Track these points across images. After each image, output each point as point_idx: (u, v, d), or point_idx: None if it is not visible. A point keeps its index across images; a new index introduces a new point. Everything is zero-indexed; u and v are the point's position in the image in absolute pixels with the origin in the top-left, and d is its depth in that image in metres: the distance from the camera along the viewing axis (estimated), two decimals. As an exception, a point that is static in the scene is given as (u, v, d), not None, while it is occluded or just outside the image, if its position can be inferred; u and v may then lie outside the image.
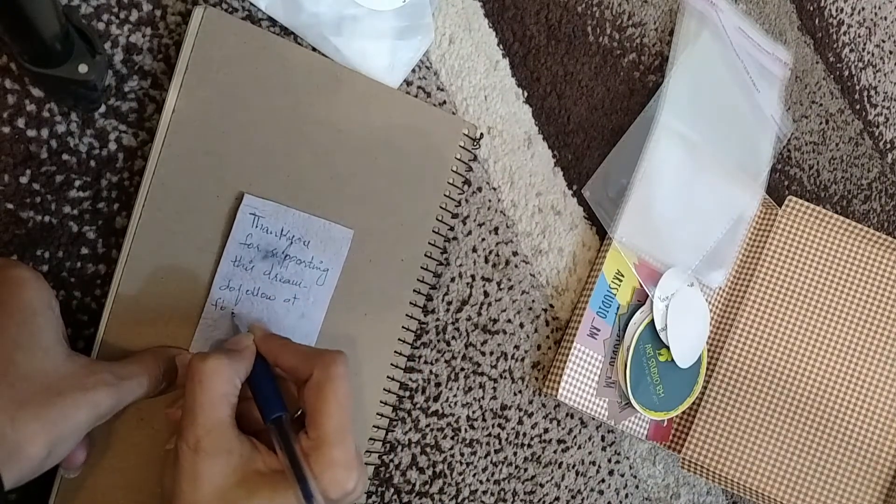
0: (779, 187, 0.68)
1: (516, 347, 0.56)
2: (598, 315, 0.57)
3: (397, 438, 0.52)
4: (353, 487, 0.37)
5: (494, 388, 0.56)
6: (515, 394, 0.57)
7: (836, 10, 0.70)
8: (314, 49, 0.47)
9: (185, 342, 0.43)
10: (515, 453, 0.57)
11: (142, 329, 0.42)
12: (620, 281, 0.58)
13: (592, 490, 0.61)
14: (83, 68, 0.37)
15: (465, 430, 0.55)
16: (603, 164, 0.59)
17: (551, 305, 0.58)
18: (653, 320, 0.59)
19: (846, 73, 0.71)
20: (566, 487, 0.59)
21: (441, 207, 0.50)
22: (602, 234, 0.59)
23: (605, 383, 0.58)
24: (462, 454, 0.55)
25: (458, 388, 0.54)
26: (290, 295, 0.46)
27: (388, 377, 0.50)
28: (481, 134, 0.54)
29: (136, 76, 0.43)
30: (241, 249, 0.44)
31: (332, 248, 0.47)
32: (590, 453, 0.60)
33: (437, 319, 0.53)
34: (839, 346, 0.63)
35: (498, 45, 0.54)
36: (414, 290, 0.50)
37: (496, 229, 0.55)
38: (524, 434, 0.57)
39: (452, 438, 0.54)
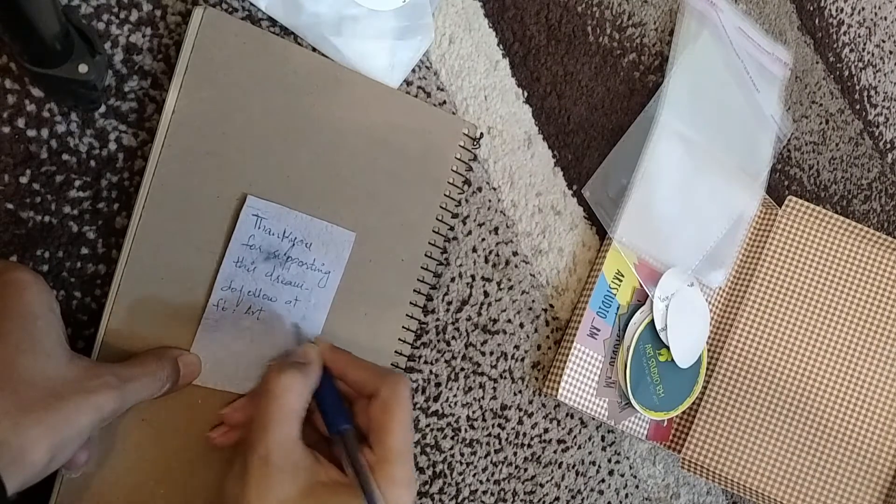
0: (779, 187, 0.68)
1: (516, 347, 0.56)
2: (598, 315, 0.57)
3: (397, 438, 0.52)
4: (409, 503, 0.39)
5: (494, 388, 0.56)
6: (515, 394, 0.57)
7: (836, 10, 0.70)
8: (314, 49, 0.47)
9: (186, 342, 0.43)
10: (515, 453, 0.57)
11: (142, 329, 0.42)
12: (620, 281, 0.58)
13: (592, 490, 0.61)
14: (83, 68, 0.37)
15: (465, 430, 0.55)
16: (603, 164, 0.59)
17: (551, 305, 0.58)
18: (653, 320, 0.59)
19: (846, 73, 0.71)
20: (566, 487, 0.59)
21: (441, 207, 0.50)
22: (602, 234, 0.59)
23: (605, 383, 0.58)
24: (462, 454, 0.55)
25: (458, 388, 0.54)
26: (292, 297, 0.46)
27: (388, 377, 0.50)
28: (481, 134, 0.54)
29: (136, 76, 0.43)
30: (243, 250, 0.44)
31: (333, 250, 0.47)
32: (590, 453, 0.60)
33: (437, 319, 0.53)
34: (839, 346, 0.63)
35: (498, 45, 0.54)
36: (414, 290, 0.50)
37: (496, 229, 0.55)
38: (524, 434, 0.57)
39: (452, 438, 0.54)
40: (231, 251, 0.43)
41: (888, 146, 0.73)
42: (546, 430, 0.58)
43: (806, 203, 0.64)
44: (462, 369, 0.54)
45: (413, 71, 0.50)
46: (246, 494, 0.37)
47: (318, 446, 0.40)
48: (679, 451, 0.62)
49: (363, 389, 0.42)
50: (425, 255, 0.50)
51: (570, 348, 0.56)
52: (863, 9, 0.72)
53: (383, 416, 0.39)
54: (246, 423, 0.43)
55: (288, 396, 0.38)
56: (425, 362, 0.53)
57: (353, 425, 0.41)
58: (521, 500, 0.58)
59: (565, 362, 0.56)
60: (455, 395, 0.54)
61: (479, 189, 0.54)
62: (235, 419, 0.44)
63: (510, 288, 0.56)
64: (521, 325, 0.56)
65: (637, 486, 0.63)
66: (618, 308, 0.58)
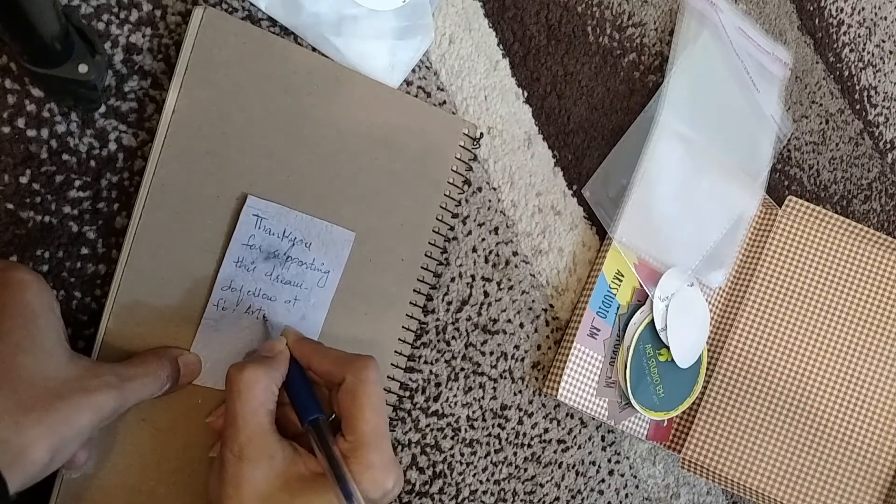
0: (779, 187, 0.68)
1: (516, 347, 0.56)
2: (598, 315, 0.57)
3: (397, 438, 0.52)
4: (392, 487, 0.38)
5: (494, 388, 0.56)
6: (515, 394, 0.57)
7: (836, 10, 0.70)
8: (314, 49, 0.47)
9: (186, 342, 0.43)
10: (515, 453, 0.57)
11: (142, 329, 0.42)
12: (620, 281, 0.58)
13: (592, 490, 0.61)
14: (83, 68, 0.37)
15: (465, 430, 0.55)
16: (603, 164, 0.59)
17: (551, 305, 0.58)
18: (653, 320, 0.59)
19: (846, 73, 0.71)
20: (566, 487, 0.59)
21: (441, 207, 0.50)
22: (602, 234, 0.59)
23: (605, 383, 0.58)
24: (462, 454, 0.55)
25: (458, 388, 0.54)
26: (292, 296, 0.46)
27: (388, 377, 0.50)
28: (481, 134, 0.54)
29: (136, 76, 0.43)
30: (243, 250, 0.44)
31: (333, 250, 0.47)
32: (590, 453, 0.60)
33: (437, 319, 0.53)
34: (839, 346, 0.63)
35: (498, 45, 0.54)
36: (414, 290, 0.50)
37: (496, 229, 0.55)
38: (524, 434, 0.57)
39: (452, 438, 0.54)
40: (231, 251, 0.44)
41: (888, 146, 0.73)
42: (546, 430, 0.58)
43: (806, 203, 0.64)
44: (462, 369, 0.54)
45: (413, 71, 0.50)
46: (225, 490, 0.37)
47: (300, 438, 0.40)
48: (679, 451, 0.62)
49: (331, 378, 0.41)
50: (425, 255, 0.50)
51: (570, 348, 0.56)
52: (863, 9, 0.72)
53: (351, 403, 0.39)
54: None
55: (253, 391, 0.38)
56: (425, 362, 0.53)
57: (325, 414, 0.40)
58: (521, 500, 0.58)
59: (565, 362, 0.56)
60: (455, 395, 0.54)
61: (479, 189, 0.54)
62: (220, 426, 0.44)
63: (510, 288, 0.56)
64: (521, 325, 0.56)
65: (637, 486, 0.63)
66: (618, 308, 0.58)
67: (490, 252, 0.55)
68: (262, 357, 0.41)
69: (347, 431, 0.39)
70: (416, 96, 0.51)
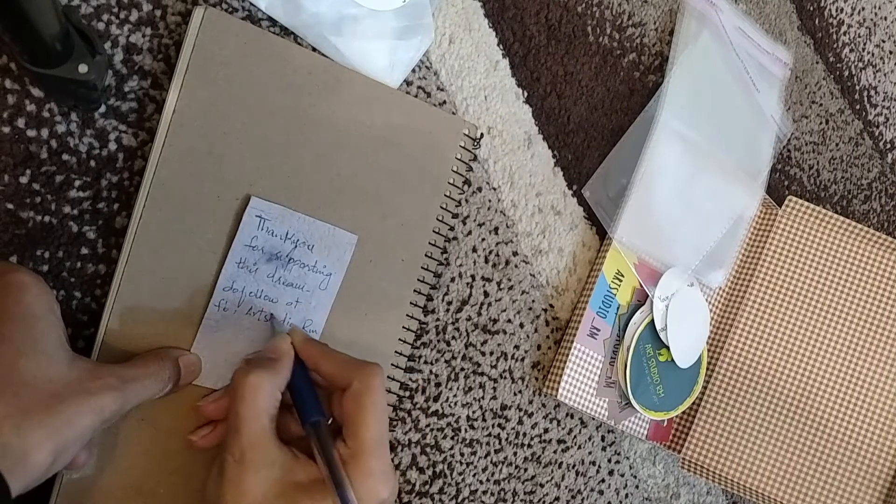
0: (779, 187, 0.68)
1: (516, 347, 0.56)
2: (598, 315, 0.57)
3: (397, 438, 0.52)
4: (387, 497, 0.38)
5: (494, 388, 0.56)
6: (515, 394, 0.57)
7: (836, 10, 0.70)
8: (314, 49, 0.47)
9: (187, 343, 0.43)
10: (515, 453, 0.57)
11: (142, 329, 0.42)
12: (620, 281, 0.58)
13: (592, 490, 0.61)
14: (83, 68, 0.37)
15: (465, 430, 0.55)
16: (603, 164, 0.59)
17: (551, 305, 0.58)
18: (653, 320, 0.59)
19: (846, 73, 0.71)
20: (566, 487, 0.59)
21: (441, 207, 0.50)
22: (602, 234, 0.59)
23: (605, 383, 0.58)
24: (462, 454, 0.55)
25: (458, 388, 0.54)
26: (293, 298, 0.46)
27: (388, 377, 0.50)
28: (481, 134, 0.54)
29: (136, 76, 0.43)
30: (245, 251, 0.44)
31: (335, 252, 0.47)
32: (590, 453, 0.60)
33: (437, 319, 0.53)
34: (839, 346, 0.63)
35: (498, 45, 0.54)
36: (414, 290, 0.50)
37: (496, 229, 0.55)
38: (524, 434, 0.57)
39: (452, 438, 0.54)
40: (234, 252, 0.43)
41: (888, 146, 0.73)
42: (546, 430, 0.58)
43: (806, 203, 0.64)
44: (462, 369, 0.54)
45: (413, 71, 0.50)
46: (223, 495, 0.37)
47: (298, 443, 0.40)
48: (679, 451, 0.62)
49: (336, 382, 0.41)
50: (425, 255, 0.50)
51: (570, 348, 0.56)
52: (863, 9, 0.72)
53: (355, 409, 0.39)
54: (221, 417, 0.43)
55: (256, 396, 0.38)
56: (425, 362, 0.53)
57: (327, 417, 0.40)
58: (521, 500, 0.58)
59: (565, 362, 0.56)
60: (455, 395, 0.54)
61: (479, 189, 0.54)
62: (209, 411, 0.43)
63: (510, 288, 0.56)
64: (521, 325, 0.56)
65: (637, 486, 0.63)
66: (618, 308, 0.58)
67: (490, 252, 0.55)
68: (267, 359, 0.41)
69: (349, 437, 0.39)
70: (416, 96, 0.51)
